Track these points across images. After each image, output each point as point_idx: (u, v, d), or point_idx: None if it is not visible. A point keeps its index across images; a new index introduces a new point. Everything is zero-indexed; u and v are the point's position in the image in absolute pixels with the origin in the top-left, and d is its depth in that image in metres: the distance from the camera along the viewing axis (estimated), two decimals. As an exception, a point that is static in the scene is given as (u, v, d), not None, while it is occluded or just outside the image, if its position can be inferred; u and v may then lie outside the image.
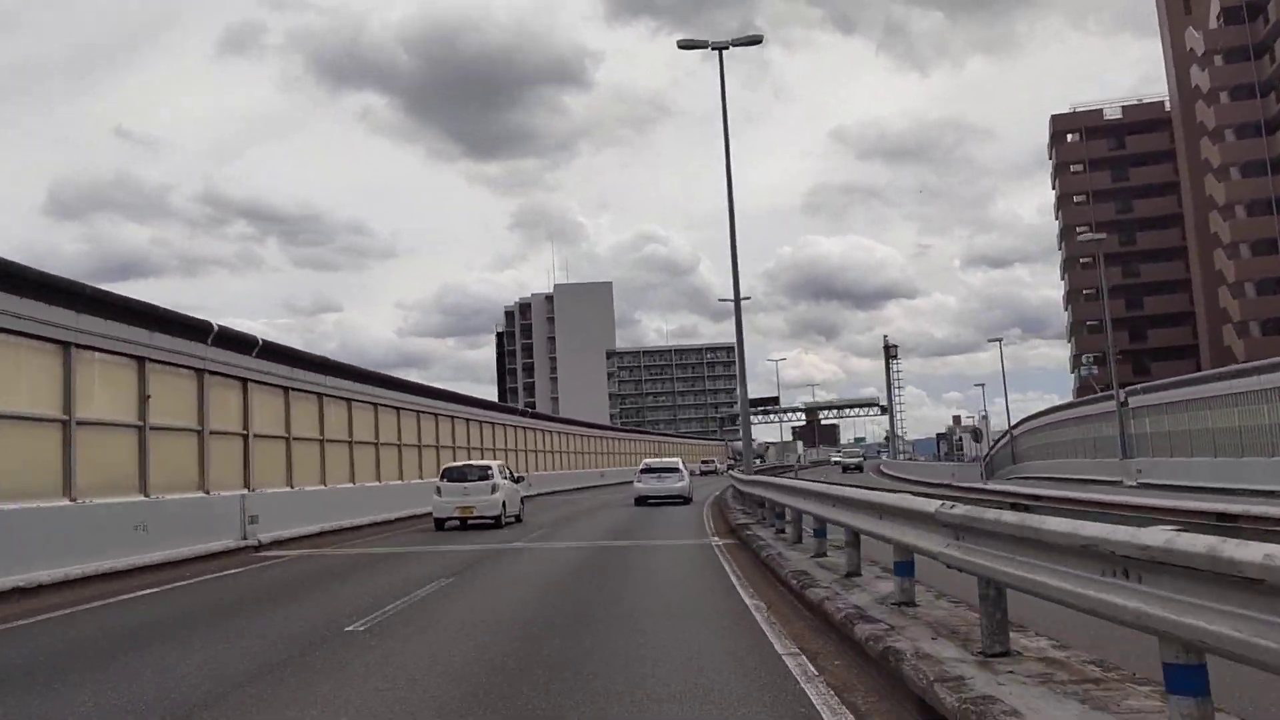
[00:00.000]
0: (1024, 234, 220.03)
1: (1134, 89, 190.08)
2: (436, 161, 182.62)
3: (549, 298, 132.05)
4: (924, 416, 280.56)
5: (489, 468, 22.57)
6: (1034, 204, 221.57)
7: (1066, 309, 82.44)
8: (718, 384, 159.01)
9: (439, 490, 21.91)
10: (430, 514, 21.75)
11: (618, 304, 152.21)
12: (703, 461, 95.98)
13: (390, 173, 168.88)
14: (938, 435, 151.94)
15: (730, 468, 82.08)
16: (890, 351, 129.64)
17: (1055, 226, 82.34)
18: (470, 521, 20.99)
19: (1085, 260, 74.72)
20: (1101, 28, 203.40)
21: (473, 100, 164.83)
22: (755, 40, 28.56)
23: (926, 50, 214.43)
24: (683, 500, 30.76)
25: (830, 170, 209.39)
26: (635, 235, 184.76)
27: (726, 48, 28.00)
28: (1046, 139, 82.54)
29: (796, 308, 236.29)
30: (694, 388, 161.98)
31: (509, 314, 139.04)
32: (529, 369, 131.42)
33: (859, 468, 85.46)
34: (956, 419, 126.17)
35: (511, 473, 24.30)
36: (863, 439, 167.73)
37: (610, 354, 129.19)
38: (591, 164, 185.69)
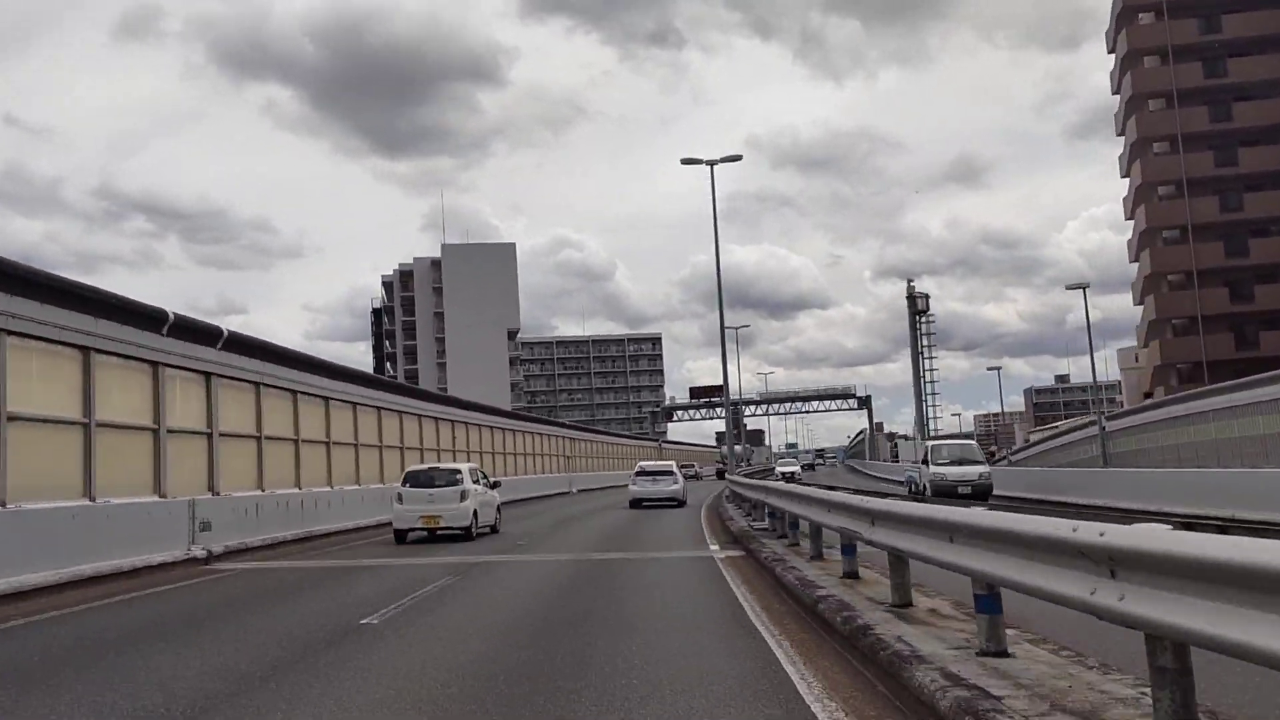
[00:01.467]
0: (932, 246, 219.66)
1: (1038, 108, 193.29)
2: (344, 158, 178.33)
3: (435, 263, 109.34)
4: (837, 425, 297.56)
5: (458, 471, 21.26)
6: (941, 217, 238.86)
7: (1137, 257, 58.72)
8: (641, 379, 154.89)
9: (400, 497, 20.71)
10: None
11: (532, 309, 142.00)
12: (682, 465, 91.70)
13: (296, 168, 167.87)
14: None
15: (720, 473, 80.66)
16: (917, 303, 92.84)
17: (1114, 103, 61.71)
18: (439, 532, 20.05)
19: (1164, 189, 56.31)
20: (1010, 42, 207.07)
21: (381, 94, 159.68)
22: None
23: (842, 60, 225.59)
24: (676, 503, 32.35)
25: (745, 178, 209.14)
26: (551, 239, 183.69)
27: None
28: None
29: (711, 315, 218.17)
30: (614, 384, 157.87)
31: (387, 285, 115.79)
32: (411, 353, 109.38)
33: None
34: (879, 425, 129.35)
35: (486, 477, 23.25)
36: (795, 445, 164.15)
37: (514, 334, 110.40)
38: (506, 165, 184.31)
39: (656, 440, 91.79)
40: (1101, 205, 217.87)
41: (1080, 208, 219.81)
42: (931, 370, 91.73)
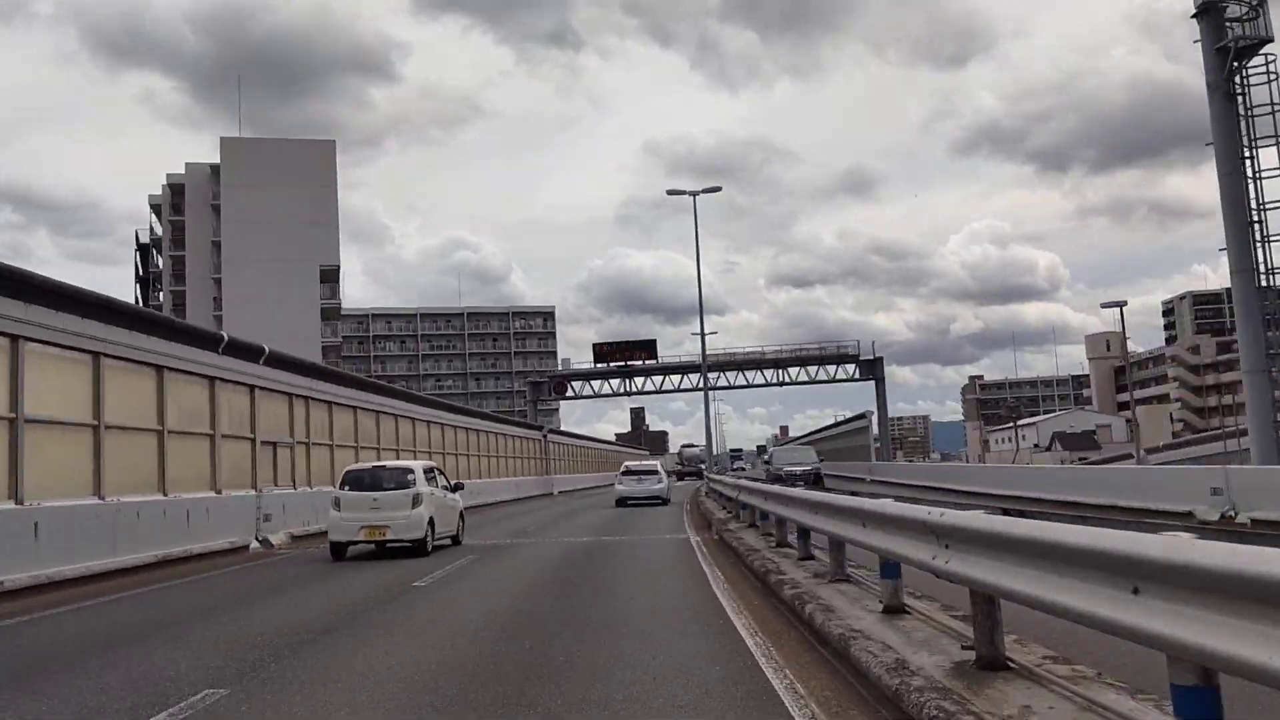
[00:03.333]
0: (824, 255, 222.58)
1: (925, 124, 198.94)
2: None
3: (215, 169, 76.83)
4: (733, 431, 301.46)
5: (409, 471, 18.71)
6: (833, 227, 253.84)
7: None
8: (529, 363, 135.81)
9: (337, 503, 18.12)
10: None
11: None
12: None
13: (176, 161, 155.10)
14: (758, 448, 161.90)
15: (683, 475, 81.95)
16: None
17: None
18: (388, 545, 17.73)
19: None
20: (899, 58, 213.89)
21: (267, 86, 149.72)
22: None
23: (737, 70, 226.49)
24: (661, 501, 35.85)
25: (642, 184, 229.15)
26: (445, 240, 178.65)
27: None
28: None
29: (609, 320, 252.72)
30: (496, 367, 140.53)
31: (155, 208, 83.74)
32: (179, 300, 77.64)
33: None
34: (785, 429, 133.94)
35: (446, 479, 20.92)
36: (692, 445, 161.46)
37: (330, 274, 76.26)
38: (399, 163, 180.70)
39: (542, 431, 63.86)
40: (982, 220, 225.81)
41: (962, 222, 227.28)
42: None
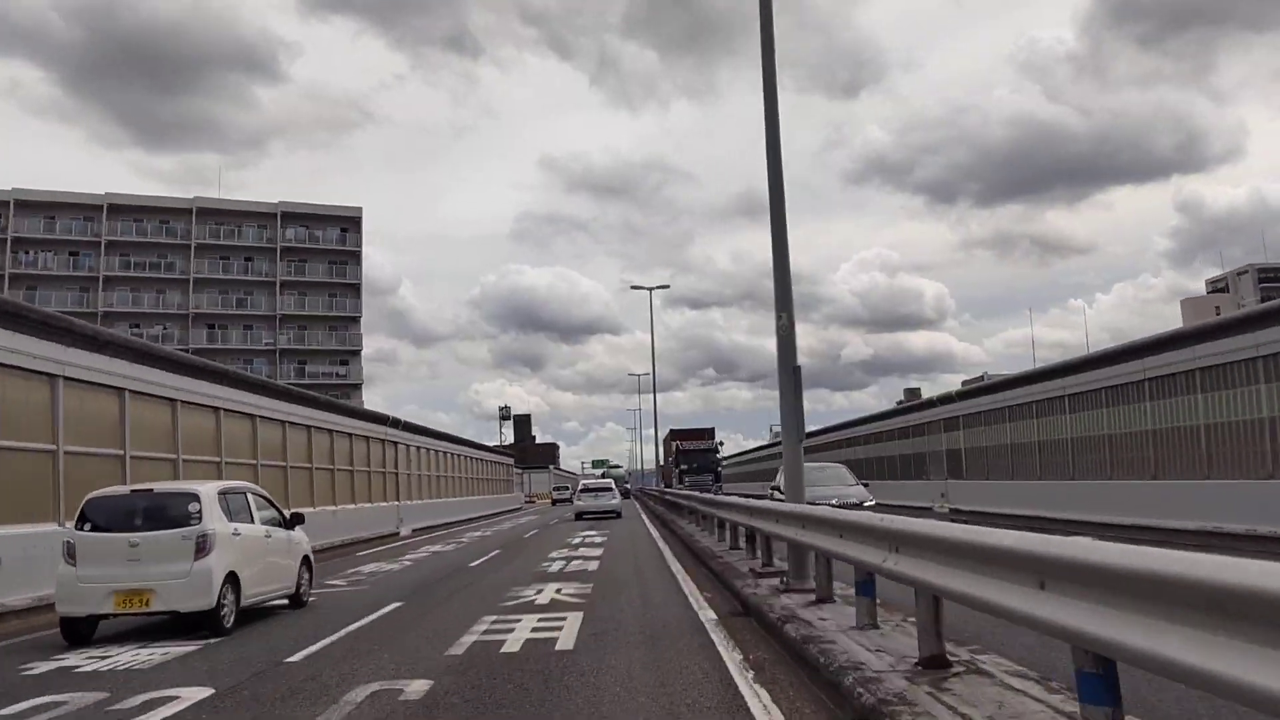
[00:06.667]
0: (719, 278, 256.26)
1: (818, 152, 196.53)
2: (100, 148, 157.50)
3: None
4: (621, 451, 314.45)
5: (191, 498, 12.72)
6: (729, 250, 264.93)
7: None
8: (312, 301, 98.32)
9: (71, 552, 12.38)
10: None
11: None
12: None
13: (46, 158, 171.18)
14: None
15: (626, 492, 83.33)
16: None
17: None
18: (154, 616, 12.71)
19: None
20: (795, 84, 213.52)
21: (144, 79, 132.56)
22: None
23: (636, 89, 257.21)
24: (615, 515, 47.13)
25: (538, 200, 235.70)
26: None
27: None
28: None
29: (504, 336, 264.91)
30: (245, 309, 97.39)
31: None
32: None
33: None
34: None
35: (276, 507, 15.38)
36: (609, 462, 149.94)
37: None
38: (284, 166, 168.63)
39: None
40: (871, 249, 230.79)
41: (852, 250, 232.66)
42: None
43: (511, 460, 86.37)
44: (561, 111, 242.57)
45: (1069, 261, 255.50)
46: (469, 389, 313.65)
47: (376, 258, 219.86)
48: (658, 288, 42.64)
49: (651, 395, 51.52)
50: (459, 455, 60.34)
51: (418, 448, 47.55)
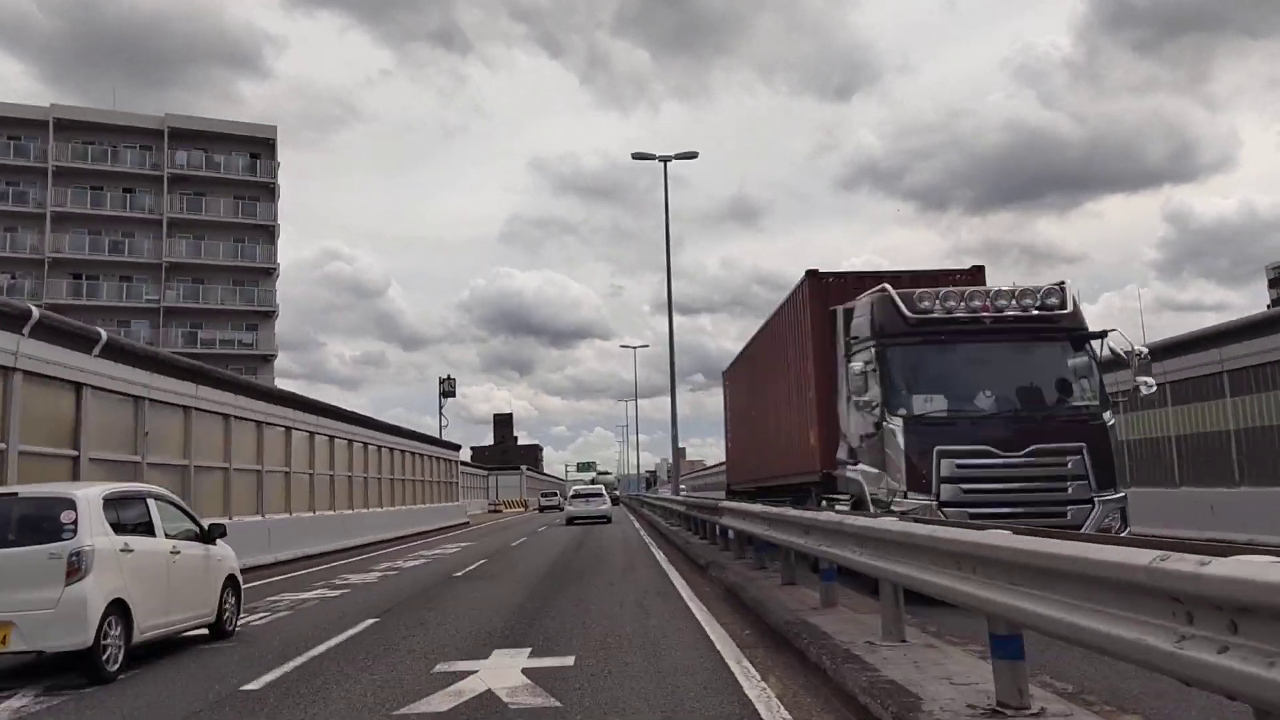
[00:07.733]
0: (709, 284, 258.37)
1: (810, 156, 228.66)
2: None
3: None
4: (607, 457, 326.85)
5: (65, 504, 10.05)
6: (719, 255, 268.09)
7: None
8: (216, 247, 78.31)
9: None
10: None
11: (298, 324, 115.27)
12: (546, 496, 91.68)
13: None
14: (648, 473, 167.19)
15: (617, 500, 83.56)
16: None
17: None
18: (14, 654, 10.25)
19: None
20: (788, 87, 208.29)
21: (126, 73, 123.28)
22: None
23: (627, 89, 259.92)
24: (606, 520, 51.09)
25: (526, 203, 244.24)
26: (319, 251, 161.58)
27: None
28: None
29: (493, 340, 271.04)
30: (120, 250, 78.27)
31: None
32: None
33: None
34: (681, 451, 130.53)
35: (191, 515, 12.93)
36: (595, 465, 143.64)
37: None
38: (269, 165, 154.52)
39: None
40: (861, 255, 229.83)
41: (842, 257, 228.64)
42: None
43: (459, 457, 64.95)
44: (551, 111, 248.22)
45: (1057, 270, 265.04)
46: (458, 393, 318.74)
47: (364, 259, 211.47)
48: (677, 157, 37.91)
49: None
50: (439, 458, 51.44)
51: (374, 445, 36.36)
